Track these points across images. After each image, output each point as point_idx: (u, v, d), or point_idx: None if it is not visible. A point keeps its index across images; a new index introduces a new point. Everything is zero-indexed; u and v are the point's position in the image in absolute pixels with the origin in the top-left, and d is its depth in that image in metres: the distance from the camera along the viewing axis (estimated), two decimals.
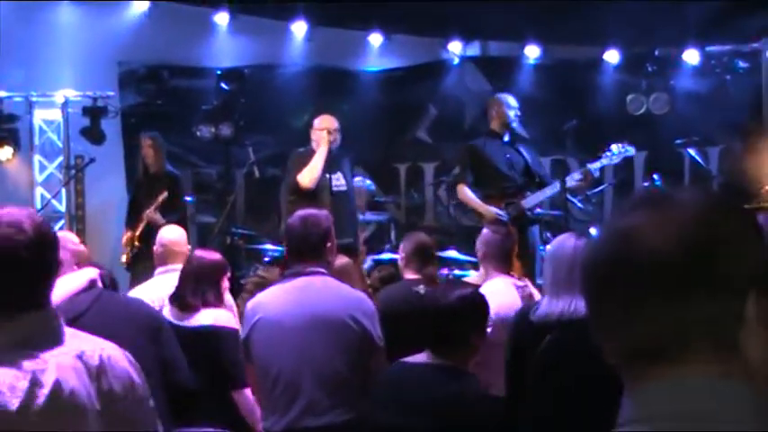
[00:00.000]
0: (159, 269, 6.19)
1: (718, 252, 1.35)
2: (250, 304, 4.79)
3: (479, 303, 4.25)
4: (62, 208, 11.06)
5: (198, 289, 5.30)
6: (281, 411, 4.51)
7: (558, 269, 4.41)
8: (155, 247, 6.41)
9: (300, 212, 4.85)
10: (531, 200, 8.70)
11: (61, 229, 10.79)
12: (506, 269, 5.71)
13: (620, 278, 1.37)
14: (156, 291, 5.75)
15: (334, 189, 8.40)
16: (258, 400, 4.87)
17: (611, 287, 1.39)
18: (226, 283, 5.46)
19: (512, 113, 8.99)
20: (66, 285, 4.15)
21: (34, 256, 2.50)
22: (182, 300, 5.31)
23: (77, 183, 10.85)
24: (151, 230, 8.90)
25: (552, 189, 8.69)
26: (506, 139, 8.95)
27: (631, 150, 8.99)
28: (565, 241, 4.50)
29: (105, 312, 4.21)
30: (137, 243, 9.18)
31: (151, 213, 9.09)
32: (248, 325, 4.66)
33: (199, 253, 5.69)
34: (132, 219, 9.57)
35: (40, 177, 11.22)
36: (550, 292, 4.38)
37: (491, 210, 8.64)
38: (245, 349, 4.70)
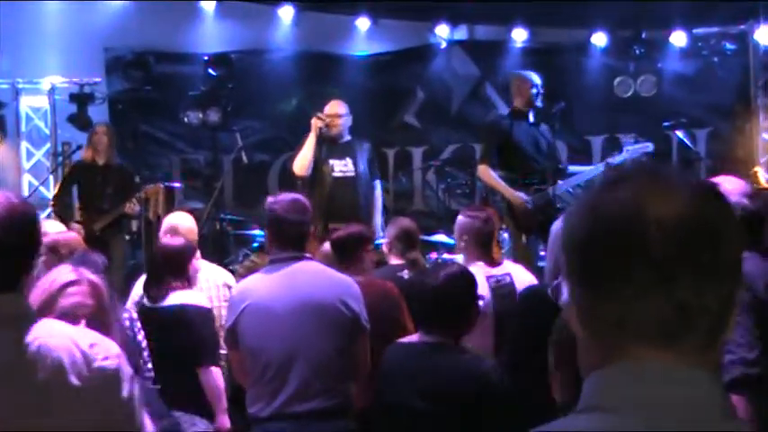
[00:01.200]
0: None
1: (721, 233, 1.33)
2: (236, 291, 4.78)
3: (468, 279, 4.28)
4: (49, 195, 11.02)
5: (164, 276, 5.41)
6: (270, 397, 4.50)
7: (555, 251, 4.46)
8: (163, 231, 6.34)
9: (285, 197, 4.81)
10: (561, 186, 8.37)
11: (48, 216, 10.77)
12: (485, 256, 5.54)
13: (619, 249, 1.33)
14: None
15: (336, 175, 8.42)
16: (245, 383, 4.81)
17: (602, 258, 1.35)
18: (195, 265, 5.51)
19: (535, 91, 8.56)
20: None
21: (3, 236, 2.48)
22: (149, 289, 5.46)
23: (65, 169, 10.83)
24: (113, 223, 8.85)
25: (579, 179, 8.44)
26: (531, 118, 8.56)
27: (650, 146, 8.75)
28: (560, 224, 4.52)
29: None
30: (97, 236, 8.70)
31: (132, 207, 8.88)
32: (235, 311, 4.60)
33: (163, 241, 5.84)
34: (80, 209, 9.30)
35: (27, 164, 11.20)
36: (549, 275, 4.46)
37: (517, 195, 8.21)
38: (232, 336, 4.63)
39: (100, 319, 2.92)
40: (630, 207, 1.33)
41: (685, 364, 1.32)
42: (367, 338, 4.71)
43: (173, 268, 5.42)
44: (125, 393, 2.59)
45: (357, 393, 4.64)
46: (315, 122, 8.41)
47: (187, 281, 5.42)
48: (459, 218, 5.73)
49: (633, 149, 8.62)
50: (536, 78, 8.68)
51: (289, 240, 4.69)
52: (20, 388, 2.43)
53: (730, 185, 3.90)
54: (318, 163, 8.45)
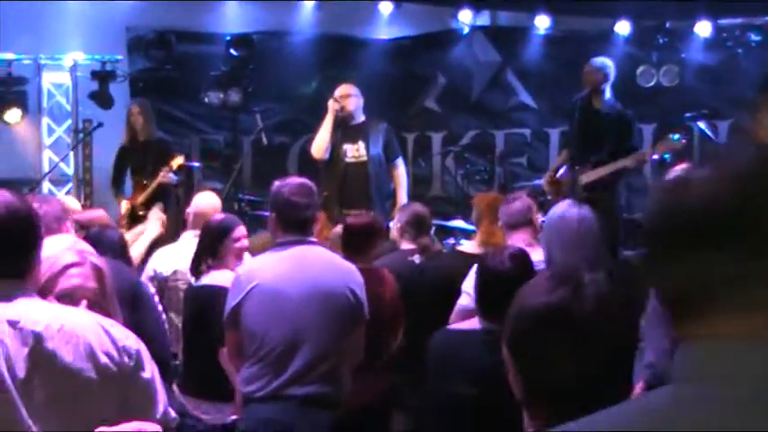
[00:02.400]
0: (190, 232, 6.25)
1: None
2: (242, 271, 4.72)
3: (530, 263, 4.20)
4: (70, 171, 11.07)
5: (200, 255, 5.52)
6: (268, 379, 4.49)
7: (564, 238, 4.44)
8: (188, 210, 6.49)
9: (292, 181, 4.86)
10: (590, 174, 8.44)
11: (68, 192, 10.83)
12: (521, 235, 5.36)
13: (672, 225, 1.39)
14: (183, 252, 5.91)
15: (349, 160, 8.42)
16: (236, 366, 4.77)
17: (664, 234, 1.41)
18: (234, 243, 5.50)
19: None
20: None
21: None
22: (192, 268, 5.58)
23: (85, 146, 10.87)
24: (155, 197, 8.91)
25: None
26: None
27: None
28: (567, 211, 4.51)
29: None
30: (140, 212, 8.92)
31: (165, 174, 9.01)
32: (241, 292, 4.57)
33: (206, 220, 5.80)
34: (124, 187, 9.59)
35: (48, 140, 11.23)
36: (546, 263, 4.43)
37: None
38: (233, 315, 4.60)
39: (101, 302, 2.91)
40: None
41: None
42: (363, 328, 4.74)
43: (205, 247, 5.52)
44: (147, 374, 2.62)
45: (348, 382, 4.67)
46: (332, 105, 8.42)
47: (217, 259, 5.45)
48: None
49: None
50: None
51: (296, 224, 4.69)
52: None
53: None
54: (334, 147, 8.47)
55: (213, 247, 5.46)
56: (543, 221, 5.22)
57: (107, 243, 4.92)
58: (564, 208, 4.61)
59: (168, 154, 9.24)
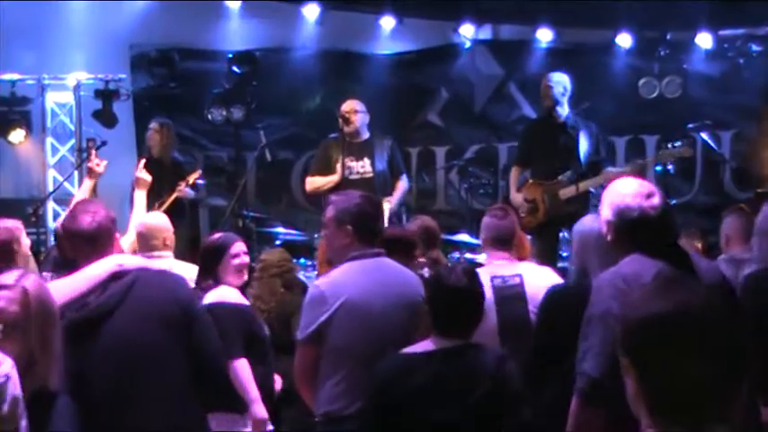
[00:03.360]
0: (143, 255, 6.01)
1: None
2: (325, 286, 4.49)
3: (478, 277, 4.21)
4: (74, 190, 11.06)
5: (200, 275, 5.50)
6: (354, 396, 4.37)
7: (586, 251, 4.46)
8: (136, 233, 6.27)
9: (357, 194, 4.78)
10: (569, 190, 8.36)
11: None
12: (504, 253, 5.32)
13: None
14: None
15: (354, 177, 8.38)
16: (309, 383, 4.55)
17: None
18: (232, 260, 5.44)
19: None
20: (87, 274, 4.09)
21: None
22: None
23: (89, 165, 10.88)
24: (171, 213, 8.91)
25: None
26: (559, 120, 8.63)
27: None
28: (592, 223, 4.53)
29: (136, 308, 4.14)
30: None
31: (182, 188, 8.99)
32: (329, 307, 4.39)
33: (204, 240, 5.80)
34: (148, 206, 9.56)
35: (52, 160, 11.25)
36: (576, 276, 4.45)
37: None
38: (319, 332, 4.40)
39: (21, 326, 2.95)
40: None
41: None
42: None
43: (204, 267, 5.52)
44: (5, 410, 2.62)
45: None
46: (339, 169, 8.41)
47: (217, 278, 5.41)
48: (486, 218, 5.52)
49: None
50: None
51: (372, 235, 4.65)
52: None
53: (626, 188, 3.85)
54: (336, 165, 8.39)
55: (212, 266, 5.45)
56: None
57: None
58: (588, 222, 4.63)
59: (182, 175, 9.23)
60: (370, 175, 8.45)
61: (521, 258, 5.56)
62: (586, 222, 4.65)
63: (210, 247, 5.57)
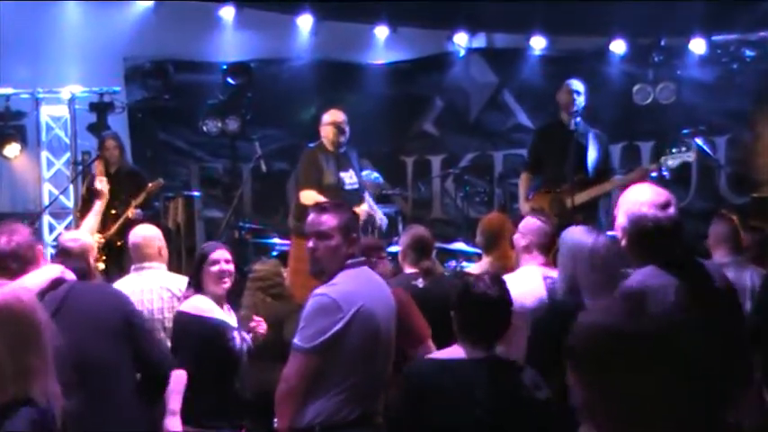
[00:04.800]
0: (135, 265, 6.17)
1: None
2: (337, 294, 4.31)
3: (506, 286, 4.21)
4: (70, 204, 11.08)
5: (188, 284, 5.55)
6: (358, 401, 4.33)
7: (576, 265, 4.46)
8: (130, 244, 6.31)
9: (344, 202, 4.90)
10: (579, 197, 8.26)
11: (69, 225, 10.83)
12: (546, 257, 5.37)
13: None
14: (131, 286, 5.84)
15: (348, 187, 8.35)
16: (302, 394, 4.39)
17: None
18: (210, 267, 5.40)
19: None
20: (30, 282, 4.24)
21: None
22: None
23: (84, 179, 10.88)
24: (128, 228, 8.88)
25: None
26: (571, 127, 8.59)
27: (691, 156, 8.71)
28: (582, 237, 4.52)
29: (73, 313, 4.36)
30: (118, 243, 8.75)
31: (133, 211, 8.95)
32: (346, 315, 4.26)
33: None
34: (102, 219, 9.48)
35: (47, 174, 11.25)
36: (566, 287, 4.44)
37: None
38: (333, 341, 4.26)
39: None
40: None
41: None
42: None
43: (192, 274, 5.52)
44: None
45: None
46: (333, 131, 8.32)
47: (197, 285, 5.43)
48: (531, 221, 5.53)
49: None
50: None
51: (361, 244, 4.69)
52: None
53: (642, 196, 3.83)
54: (330, 176, 8.32)
55: (196, 274, 5.45)
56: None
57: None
58: (578, 234, 4.62)
59: (141, 184, 9.20)
60: (357, 185, 8.44)
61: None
62: (576, 235, 4.64)
63: (197, 255, 5.59)
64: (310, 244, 4.47)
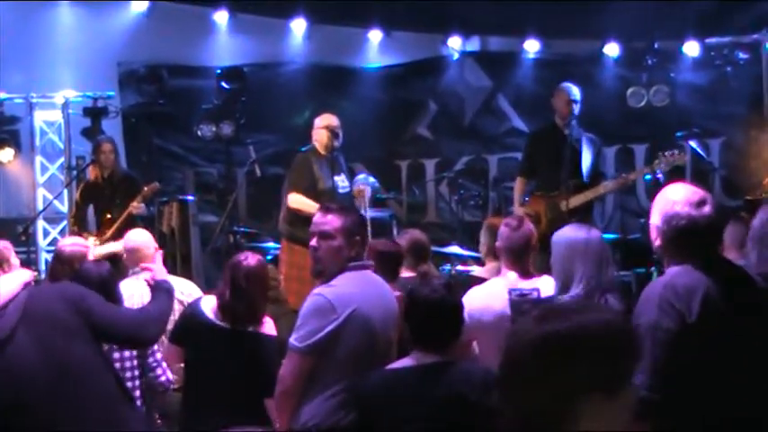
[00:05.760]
0: (132, 269, 6.26)
1: None
2: (332, 295, 4.35)
3: (455, 291, 4.24)
4: (64, 209, 11.06)
5: None
6: (351, 407, 4.33)
7: (569, 261, 4.47)
8: (125, 248, 6.42)
9: (351, 206, 4.84)
10: (574, 200, 8.27)
11: (63, 230, 10.82)
12: (518, 267, 5.20)
13: None
14: (130, 290, 5.89)
15: (341, 191, 8.35)
16: (297, 394, 4.47)
17: None
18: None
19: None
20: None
21: None
22: None
23: (79, 184, 10.86)
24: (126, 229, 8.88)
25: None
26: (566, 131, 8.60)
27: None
28: (576, 233, 4.53)
29: (35, 318, 4.31)
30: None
31: (137, 205, 9.00)
32: (339, 317, 4.29)
33: None
34: (86, 224, 9.54)
35: (41, 179, 11.23)
36: (560, 286, 4.45)
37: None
38: (326, 341, 4.31)
39: None
40: None
41: None
42: None
43: None
44: None
45: None
46: (327, 136, 8.28)
47: None
48: (501, 228, 5.40)
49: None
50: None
51: (365, 247, 4.72)
52: None
53: (677, 194, 3.76)
54: (324, 181, 8.30)
55: None
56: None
57: (86, 278, 5.02)
58: (571, 231, 4.62)
59: (136, 188, 9.21)
60: (348, 189, 8.45)
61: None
62: (569, 232, 4.65)
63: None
64: (313, 243, 4.51)
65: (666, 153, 8.57)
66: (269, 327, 5.35)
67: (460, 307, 4.19)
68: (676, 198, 3.72)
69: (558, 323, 1.82)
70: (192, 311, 5.44)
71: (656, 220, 3.75)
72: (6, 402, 4.09)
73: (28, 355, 4.13)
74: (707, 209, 3.69)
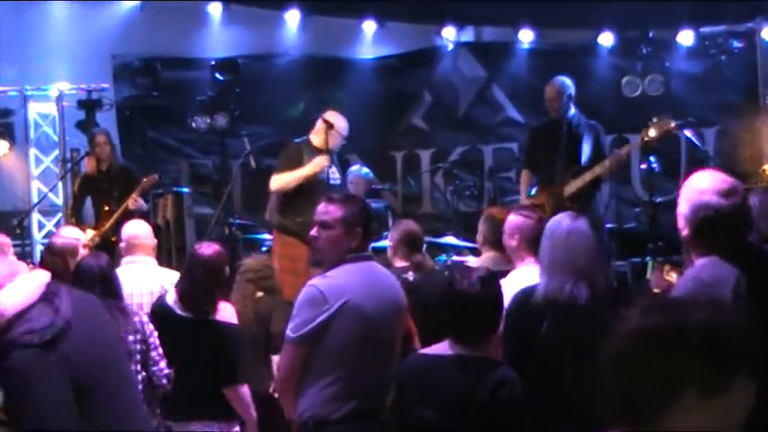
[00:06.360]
0: (126, 258, 6.34)
1: None
2: (325, 286, 4.36)
3: (499, 288, 4.20)
4: (59, 201, 11.05)
5: None
6: (345, 399, 4.35)
7: (554, 250, 4.46)
8: (123, 238, 6.48)
9: (359, 196, 5.00)
10: (570, 186, 8.28)
11: (58, 223, 10.81)
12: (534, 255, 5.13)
13: None
14: (122, 280, 5.86)
15: (332, 182, 8.34)
16: (294, 384, 4.45)
17: None
18: None
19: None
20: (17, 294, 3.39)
21: None
22: None
23: (74, 176, 10.85)
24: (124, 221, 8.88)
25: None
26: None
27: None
28: (561, 222, 4.52)
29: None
30: (113, 238, 8.58)
31: (135, 199, 8.98)
32: (331, 307, 4.29)
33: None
34: (95, 217, 9.53)
35: (36, 171, 11.22)
36: (547, 273, 4.43)
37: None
38: (317, 332, 4.30)
39: None
40: None
41: None
42: None
43: None
44: None
45: None
46: (321, 162, 8.18)
47: None
48: (511, 216, 5.43)
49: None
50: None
51: (371, 238, 4.69)
52: None
53: (704, 183, 3.68)
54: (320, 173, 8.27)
55: None
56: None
57: (87, 272, 5.04)
58: (557, 221, 4.60)
59: (134, 180, 9.20)
60: (339, 181, 8.46)
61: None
62: (556, 219, 4.63)
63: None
64: (313, 232, 4.52)
65: (655, 119, 8.47)
66: (227, 314, 5.44)
67: (500, 302, 4.18)
68: (704, 187, 3.64)
69: (674, 316, 1.83)
70: (158, 302, 5.59)
71: (683, 209, 3.68)
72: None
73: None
74: (735, 198, 3.62)
